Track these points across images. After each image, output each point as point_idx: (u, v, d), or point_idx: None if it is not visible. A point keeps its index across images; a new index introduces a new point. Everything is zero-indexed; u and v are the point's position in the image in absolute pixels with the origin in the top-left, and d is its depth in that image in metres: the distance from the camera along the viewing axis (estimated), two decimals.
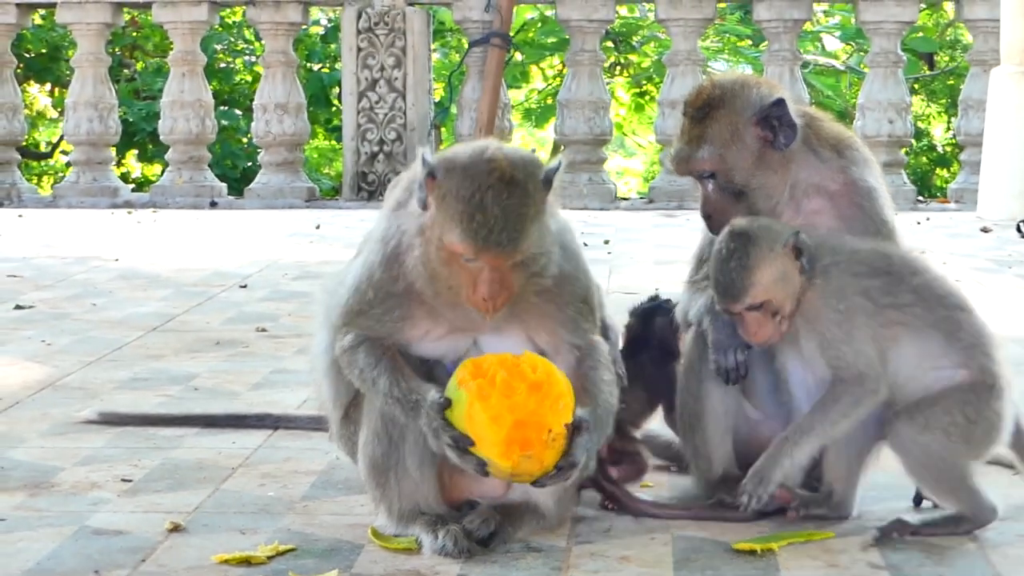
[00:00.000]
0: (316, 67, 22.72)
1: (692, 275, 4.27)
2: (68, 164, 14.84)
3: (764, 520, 3.95)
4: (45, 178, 23.87)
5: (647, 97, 23.83)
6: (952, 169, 22.48)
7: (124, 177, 21.60)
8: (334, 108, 21.95)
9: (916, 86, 22.85)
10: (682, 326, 4.26)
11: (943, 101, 24.01)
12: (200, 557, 3.71)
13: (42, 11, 16.77)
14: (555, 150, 18.70)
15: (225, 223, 12.27)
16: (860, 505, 4.07)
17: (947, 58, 24.22)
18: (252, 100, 14.54)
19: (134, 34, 22.93)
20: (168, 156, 14.45)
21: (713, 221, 4.15)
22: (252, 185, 14.28)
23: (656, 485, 4.36)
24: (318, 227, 11.76)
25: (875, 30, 13.69)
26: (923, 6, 14.79)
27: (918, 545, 3.80)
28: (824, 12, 22.09)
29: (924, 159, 24.09)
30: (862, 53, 18.40)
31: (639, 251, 10.16)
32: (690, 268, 4.30)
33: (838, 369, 3.87)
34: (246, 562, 3.66)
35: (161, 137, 14.48)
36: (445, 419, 3.65)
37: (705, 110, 4.12)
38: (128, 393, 5.70)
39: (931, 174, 23.85)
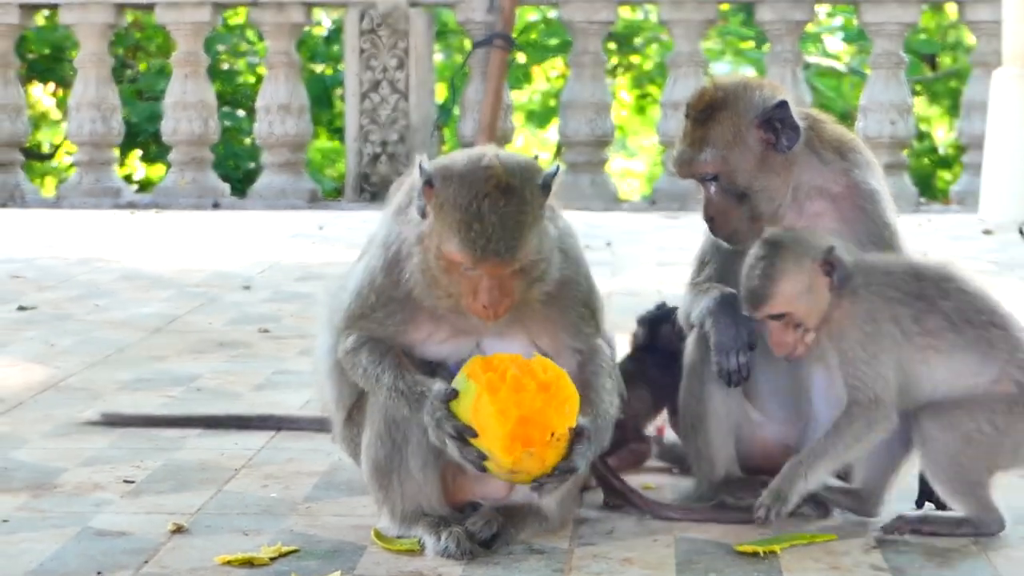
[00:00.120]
0: (319, 68, 22.73)
1: (694, 277, 4.27)
2: (71, 165, 14.85)
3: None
4: (48, 179, 23.87)
5: (649, 99, 23.84)
6: (954, 171, 22.45)
7: (127, 178, 21.60)
8: (337, 109, 21.95)
9: (918, 88, 22.84)
10: (684, 328, 4.26)
11: (945, 103, 24.00)
12: (203, 558, 3.72)
13: (45, 12, 16.77)
14: (557, 151, 18.70)
15: (228, 224, 12.28)
16: None
17: (949, 59, 24.20)
18: (255, 101, 14.55)
19: (137, 35, 22.93)
20: (171, 157, 14.45)
21: (715, 223, 4.15)
22: (255, 186, 14.28)
23: (658, 487, 4.36)
24: (321, 228, 11.77)
25: (877, 31, 13.69)
26: (925, 7, 14.79)
27: (920, 547, 3.80)
28: (827, 13, 22.09)
29: (926, 161, 24.07)
30: (865, 54, 18.39)
31: (642, 253, 10.17)
32: (692, 270, 4.30)
33: (854, 389, 3.84)
34: (249, 563, 3.67)
35: (164, 138, 14.48)
36: (449, 410, 3.65)
37: (707, 112, 4.12)
38: (131, 394, 5.70)
39: (933, 176, 23.83)
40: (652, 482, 4.39)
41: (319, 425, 4.73)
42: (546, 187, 3.69)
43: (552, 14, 18.89)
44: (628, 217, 12.87)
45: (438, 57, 20.13)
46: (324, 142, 23.89)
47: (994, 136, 12.32)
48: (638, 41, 23.33)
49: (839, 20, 23.03)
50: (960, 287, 3.93)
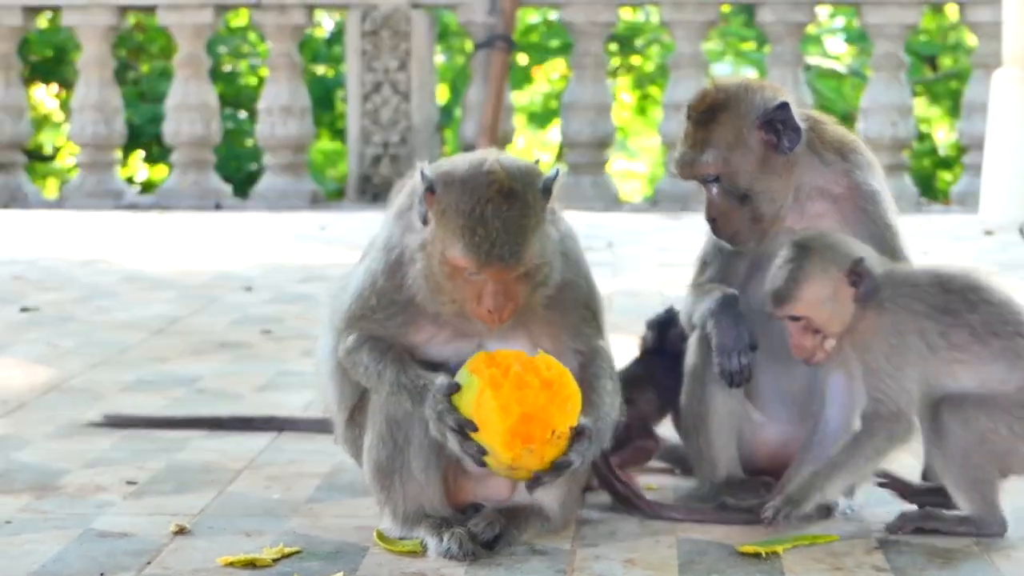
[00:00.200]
0: (321, 70, 22.73)
1: (696, 278, 4.27)
2: (74, 167, 14.87)
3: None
4: (51, 180, 23.88)
5: (650, 100, 23.84)
6: (954, 172, 22.45)
7: (130, 180, 21.61)
8: (338, 111, 21.96)
9: (919, 89, 22.83)
10: (686, 329, 4.26)
11: (946, 104, 24.00)
12: (205, 559, 3.72)
13: (48, 14, 16.79)
14: (559, 153, 18.71)
15: (230, 225, 12.29)
16: (864, 508, 4.08)
17: (950, 61, 24.20)
18: (257, 103, 14.56)
19: (139, 37, 22.94)
20: (173, 159, 14.47)
21: (717, 225, 4.15)
22: (257, 187, 14.30)
23: (660, 488, 4.37)
24: (323, 229, 11.78)
25: (878, 33, 13.71)
26: (926, 9, 14.79)
27: (922, 548, 3.80)
28: (828, 15, 22.10)
29: (927, 162, 24.07)
30: (865, 56, 18.40)
31: (643, 254, 10.17)
32: (694, 271, 4.30)
33: (877, 402, 3.83)
34: (251, 564, 3.67)
35: (166, 140, 14.50)
36: (451, 403, 3.66)
37: (709, 114, 4.12)
38: (133, 395, 5.71)
39: (933, 177, 23.82)
40: (654, 483, 4.39)
41: (321, 426, 4.73)
42: (547, 190, 3.69)
43: (553, 16, 18.92)
44: (629, 218, 12.87)
45: (439, 59, 20.14)
46: (326, 143, 23.91)
47: (994, 137, 12.33)
48: (639, 42, 23.34)
49: (840, 21, 23.04)
50: (986, 298, 3.88)
